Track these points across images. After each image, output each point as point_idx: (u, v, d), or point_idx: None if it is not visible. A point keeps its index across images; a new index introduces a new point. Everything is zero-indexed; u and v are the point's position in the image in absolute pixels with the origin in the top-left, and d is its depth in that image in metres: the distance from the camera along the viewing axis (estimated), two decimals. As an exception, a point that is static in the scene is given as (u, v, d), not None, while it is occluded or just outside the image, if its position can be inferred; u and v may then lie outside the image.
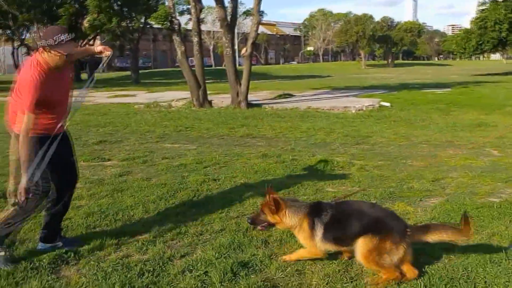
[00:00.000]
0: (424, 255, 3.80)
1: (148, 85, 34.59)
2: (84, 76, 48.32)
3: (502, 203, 5.18)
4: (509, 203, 5.16)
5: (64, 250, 3.87)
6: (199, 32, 17.52)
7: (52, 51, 3.54)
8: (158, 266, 3.66)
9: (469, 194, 5.61)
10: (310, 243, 3.59)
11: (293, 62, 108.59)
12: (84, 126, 11.91)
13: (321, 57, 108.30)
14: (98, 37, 50.85)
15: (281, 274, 3.55)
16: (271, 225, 3.71)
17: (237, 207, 5.19)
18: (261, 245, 4.06)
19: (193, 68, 17.77)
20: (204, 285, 3.35)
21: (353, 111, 15.82)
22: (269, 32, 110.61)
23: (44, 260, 3.70)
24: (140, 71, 49.14)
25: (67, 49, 3.58)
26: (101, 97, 23.71)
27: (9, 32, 48.99)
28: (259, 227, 3.79)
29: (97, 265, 3.68)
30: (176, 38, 17.34)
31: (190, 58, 18.04)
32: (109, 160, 7.84)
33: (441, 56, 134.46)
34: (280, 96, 21.26)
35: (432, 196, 5.58)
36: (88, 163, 7.57)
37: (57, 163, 3.71)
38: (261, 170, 6.93)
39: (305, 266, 3.69)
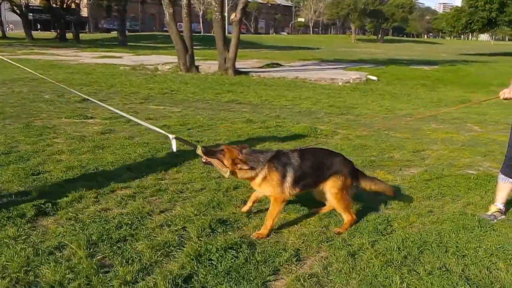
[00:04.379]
0: (398, 220, 3.88)
1: (135, 48, 33.99)
2: (70, 36, 47.26)
3: (479, 175, 5.29)
4: (486, 175, 5.26)
5: (42, 201, 3.85)
6: (189, -5, 17.16)
7: None
8: (137, 219, 3.67)
9: (448, 166, 5.70)
10: (278, 189, 3.56)
11: (283, 33, 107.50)
12: (67, 84, 11.64)
13: (311, 29, 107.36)
14: (84, -4, 49.61)
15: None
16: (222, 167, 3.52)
17: (218, 168, 5.19)
18: (240, 204, 4.09)
19: (181, 34, 17.46)
20: (181, 239, 3.37)
21: (340, 83, 15.82)
22: (260, 1, 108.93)
23: (21, 210, 3.67)
24: (128, 34, 48.15)
25: None
26: (86, 57, 23.31)
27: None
28: (203, 160, 3.56)
29: (75, 217, 3.67)
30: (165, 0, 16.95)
31: (179, 23, 17.68)
32: (91, 118, 7.75)
33: (430, 34, 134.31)
34: (268, 65, 21.13)
35: (412, 166, 5.66)
36: (70, 120, 7.48)
37: None
38: (245, 134, 6.93)
39: (283, 226, 3.74)
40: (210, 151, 3.56)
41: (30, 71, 4.84)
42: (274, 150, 3.78)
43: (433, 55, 40.63)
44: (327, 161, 3.80)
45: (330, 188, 3.73)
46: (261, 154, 3.61)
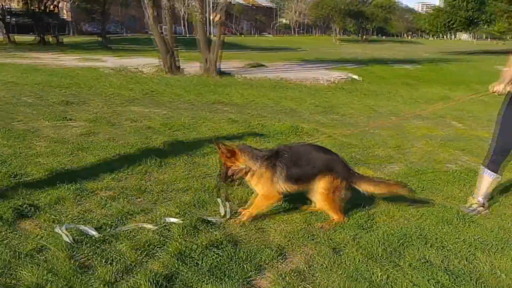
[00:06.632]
0: (380, 215, 3.92)
1: (118, 50, 33.71)
2: (51, 39, 46.65)
3: (458, 169, 5.37)
4: (465, 169, 5.35)
5: (22, 204, 3.79)
6: (171, -4, 17.12)
7: None
8: (118, 220, 3.64)
9: (429, 161, 5.78)
10: (269, 185, 3.67)
11: (268, 35, 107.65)
12: (45, 86, 11.54)
13: (294, 30, 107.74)
14: (65, -1, 49.08)
15: (243, 231, 3.58)
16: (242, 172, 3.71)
17: (202, 168, 5.18)
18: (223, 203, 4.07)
19: (164, 37, 17.39)
20: (164, 239, 3.35)
21: (324, 83, 15.90)
22: (243, 2, 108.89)
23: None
24: (111, 37, 47.79)
25: None
26: (69, 60, 23.05)
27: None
28: (230, 180, 3.78)
29: (55, 219, 3.62)
30: (146, 0, 16.86)
31: (163, 27, 17.58)
32: (73, 120, 7.66)
33: (414, 35, 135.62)
34: (251, 66, 21.15)
35: (394, 162, 5.72)
36: (51, 122, 7.38)
37: None
38: (228, 134, 6.92)
39: (268, 224, 3.74)
40: (227, 176, 3.74)
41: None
42: (269, 149, 3.98)
43: (415, 54, 41.04)
44: (317, 157, 3.81)
45: (319, 188, 3.75)
46: (255, 152, 3.76)
